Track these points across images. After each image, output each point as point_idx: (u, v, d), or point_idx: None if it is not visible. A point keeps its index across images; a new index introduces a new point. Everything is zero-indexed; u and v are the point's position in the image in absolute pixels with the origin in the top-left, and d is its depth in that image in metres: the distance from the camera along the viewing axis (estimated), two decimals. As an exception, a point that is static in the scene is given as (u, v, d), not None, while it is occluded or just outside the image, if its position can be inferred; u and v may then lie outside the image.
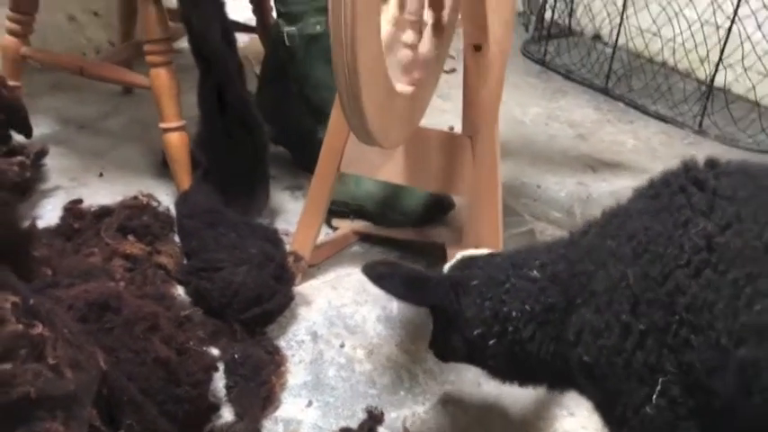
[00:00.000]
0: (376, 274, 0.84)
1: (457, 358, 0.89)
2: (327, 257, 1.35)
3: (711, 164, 0.64)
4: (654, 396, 0.57)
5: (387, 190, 1.37)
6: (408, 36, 0.98)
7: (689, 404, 0.56)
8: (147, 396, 0.87)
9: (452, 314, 0.81)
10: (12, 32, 1.47)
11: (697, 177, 0.62)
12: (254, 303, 1.13)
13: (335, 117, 1.16)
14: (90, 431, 0.76)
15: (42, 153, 1.50)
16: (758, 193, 0.58)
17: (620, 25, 2.24)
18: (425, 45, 1.06)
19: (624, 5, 2.22)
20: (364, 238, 1.41)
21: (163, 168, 1.56)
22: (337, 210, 1.40)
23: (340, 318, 1.23)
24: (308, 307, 1.24)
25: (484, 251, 0.88)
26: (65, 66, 1.48)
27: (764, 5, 1.92)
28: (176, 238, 1.32)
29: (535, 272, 0.72)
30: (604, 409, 0.66)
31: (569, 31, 2.62)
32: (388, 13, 1.00)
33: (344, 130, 1.15)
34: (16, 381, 0.64)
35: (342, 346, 1.17)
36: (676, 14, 2.18)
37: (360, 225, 1.41)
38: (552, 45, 2.49)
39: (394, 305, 1.26)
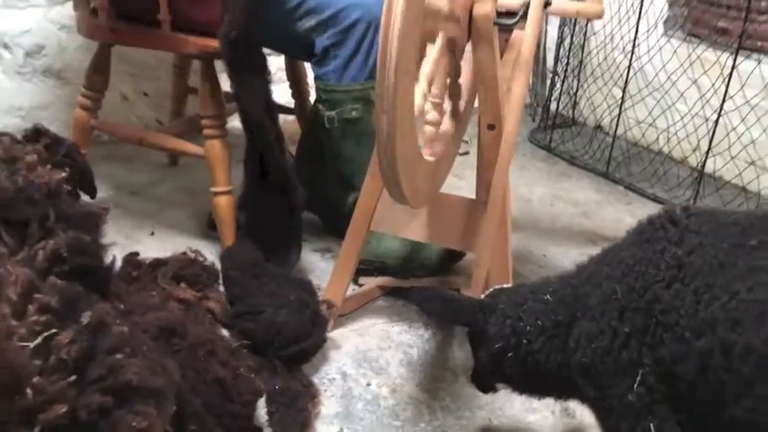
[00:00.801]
0: (419, 297, 1.02)
1: (486, 378, 1.05)
2: (355, 309, 1.51)
3: (685, 208, 0.82)
4: (635, 385, 0.73)
5: (405, 246, 1.55)
6: (432, 115, 1.18)
7: (661, 390, 0.72)
8: (206, 410, 1.02)
9: (480, 331, 0.98)
10: (83, 107, 1.68)
11: (673, 217, 0.80)
12: (293, 342, 1.28)
13: (368, 183, 1.34)
14: (160, 434, 0.90)
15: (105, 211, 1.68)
16: (717, 228, 0.75)
17: (618, 116, 2.46)
18: (446, 125, 1.26)
19: (623, 99, 2.45)
20: (388, 292, 1.58)
21: (207, 230, 1.74)
22: (362, 267, 1.57)
23: (366, 360, 1.37)
24: (337, 350, 1.39)
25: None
26: (128, 136, 1.69)
27: (747, 101, 2.14)
28: (221, 288, 1.48)
29: (548, 296, 0.89)
30: (597, 403, 0.81)
31: (573, 122, 2.85)
32: (420, 89, 1.19)
33: (376, 193, 1.34)
34: (123, 370, 0.80)
35: (368, 384, 1.31)
36: (669, 108, 2.40)
37: (383, 280, 1.58)
38: (557, 133, 2.71)
39: (414, 351, 1.41)
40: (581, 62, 2.78)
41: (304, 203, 1.62)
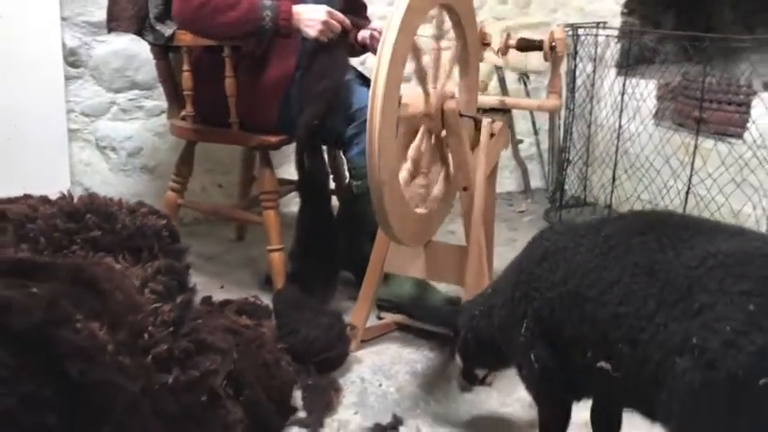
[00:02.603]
0: (414, 310, 1.46)
1: (467, 368, 1.46)
2: (374, 338, 1.93)
3: (558, 222, 1.23)
4: (522, 330, 1.13)
5: (419, 292, 1.97)
6: (421, 181, 1.64)
7: (537, 330, 1.11)
8: (257, 382, 1.46)
9: (455, 327, 1.40)
10: (173, 189, 2.22)
11: (550, 227, 1.22)
12: (323, 351, 1.71)
13: (380, 234, 1.80)
14: (219, 400, 1.33)
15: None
16: (574, 228, 1.16)
17: (612, 192, 2.86)
18: (437, 188, 1.72)
19: (614, 177, 2.86)
20: (402, 327, 1.99)
21: (264, 285, 2.22)
22: (383, 305, 1.99)
23: (381, 370, 1.78)
24: (359, 364, 1.81)
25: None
26: (205, 210, 2.21)
27: (709, 175, 2.52)
28: (273, 320, 1.94)
29: (487, 290, 1.32)
30: (508, 355, 1.22)
31: (584, 202, 3.26)
32: (406, 167, 1.66)
33: (387, 242, 1.79)
34: (201, 332, 1.25)
35: (380, 385, 1.72)
36: (650, 183, 2.80)
37: (398, 318, 2.00)
38: (569, 212, 3.11)
39: (419, 365, 1.81)
40: (587, 149, 3.21)
41: (342, 262, 2.08)
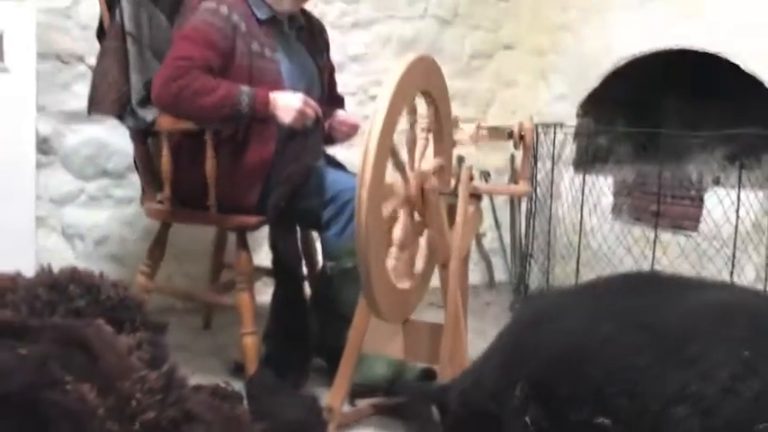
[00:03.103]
0: (402, 389, 1.45)
1: None
2: (352, 422, 1.89)
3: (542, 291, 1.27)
4: (516, 393, 1.14)
5: (391, 371, 1.96)
6: (403, 256, 1.67)
7: (531, 393, 1.13)
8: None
9: (443, 403, 1.40)
10: (143, 273, 2.20)
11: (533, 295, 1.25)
12: (300, 434, 1.67)
13: (358, 315, 1.80)
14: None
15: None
16: (561, 294, 1.20)
17: (576, 283, 2.93)
18: (418, 264, 1.75)
19: (577, 270, 2.94)
20: (379, 411, 1.96)
21: (234, 372, 2.17)
22: (357, 390, 1.97)
23: (361, 454, 1.75)
24: (338, 449, 1.77)
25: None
26: (179, 294, 2.18)
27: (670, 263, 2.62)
28: (245, 405, 1.88)
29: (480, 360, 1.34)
30: (502, 422, 1.21)
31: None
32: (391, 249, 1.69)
33: (364, 323, 1.79)
34: (188, 401, 1.22)
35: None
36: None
37: (374, 401, 1.97)
38: (533, 303, 3.16)
39: (398, 448, 1.78)
40: (548, 243, 3.31)
41: (314, 347, 2.07)
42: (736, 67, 2.60)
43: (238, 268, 2.05)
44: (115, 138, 2.73)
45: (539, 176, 3.32)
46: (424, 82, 1.64)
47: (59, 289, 1.37)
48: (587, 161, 3.23)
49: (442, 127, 1.75)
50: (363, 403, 1.97)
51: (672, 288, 1.01)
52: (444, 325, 1.75)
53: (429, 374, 2.00)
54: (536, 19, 3.56)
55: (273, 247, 1.93)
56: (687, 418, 0.89)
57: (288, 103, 1.98)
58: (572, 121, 3.32)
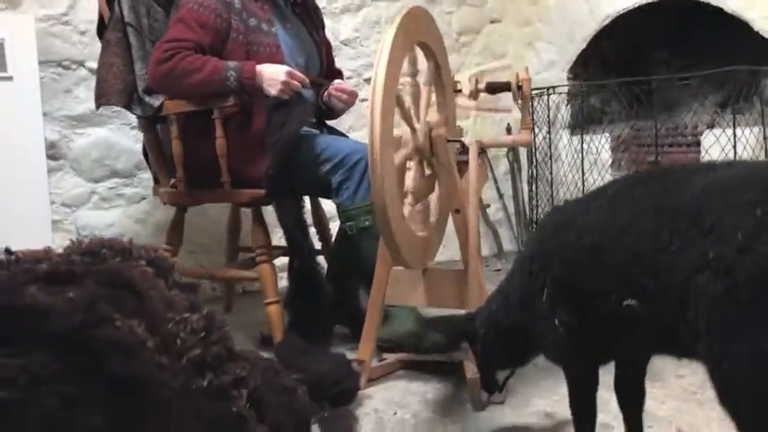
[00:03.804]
0: (428, 323, 1.50)
1: (486, 373, 1.48)
2: (381, 376, 1.94)
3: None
4: (543, 299, 1.19)
5: (420, 328, 2.01)
6: (417, 206, 1.72)
7: (558, 295, 1.17)
8: (279, 406, 1.46)
9: (471, 332, 1.43)
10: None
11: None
12: (335, 385, 1.72)
13: (378, 267, 1.85)
14: (245, 421, 1.34)
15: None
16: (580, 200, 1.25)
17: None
18: (432, 212, 1.81)
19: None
20: (406, 365, 2.01)
21: (263, 343, 2.21)
22: (386, 345, 2.02)
23: (393, 402, 1.79)
24: (369, 399, 1.81)
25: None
26: (200, 273, 2.24)
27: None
28: (278, 369, 1.93)
29: (504, 281, 1.39)
30: (532, 332, 1.26)
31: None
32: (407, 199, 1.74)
33: (385, 275, 1.84)
34: (229, 339, 1.27)
35: (395, 413, 1.72)
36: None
37: (402, 356, 2.02)
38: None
39: (430, 395, 1.82)
40: (552, 206, 3.36)
41: (336, 315, 2.12)
42: (720, 10, 2.66)
43: (256, 241, 2.10)
44: (121, 138, 2.80)
45: (537, 141, 3.38)
46: (421, 34, 1.69)
47: (92, 254, 1.42)
48: (583, 123, 3.29)
49: (443, 79, 1.80)
50: (391, 357, 2.02)
51: (682, 174, 1.06)
52: (465, 269, 1.80)
53: (457, 337, 2.04)
54: (519, -10, 3.63)
55: (279, 218, 2.00)
56: (709, 283, 0.93)
57: (273, 75, 2.04)
58: (563, 87, 3.38)
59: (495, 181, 3.60)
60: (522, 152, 3.59)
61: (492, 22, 3.68)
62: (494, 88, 2.09)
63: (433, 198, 1.82)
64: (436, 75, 1.79)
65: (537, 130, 3.37)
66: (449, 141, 1.75)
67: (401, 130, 1.70)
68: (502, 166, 3.69)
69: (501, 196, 3.62)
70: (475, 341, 1.47)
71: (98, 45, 2.29)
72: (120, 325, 1.08)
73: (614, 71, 3.48)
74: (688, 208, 1.00)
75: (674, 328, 1.02)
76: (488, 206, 3.61)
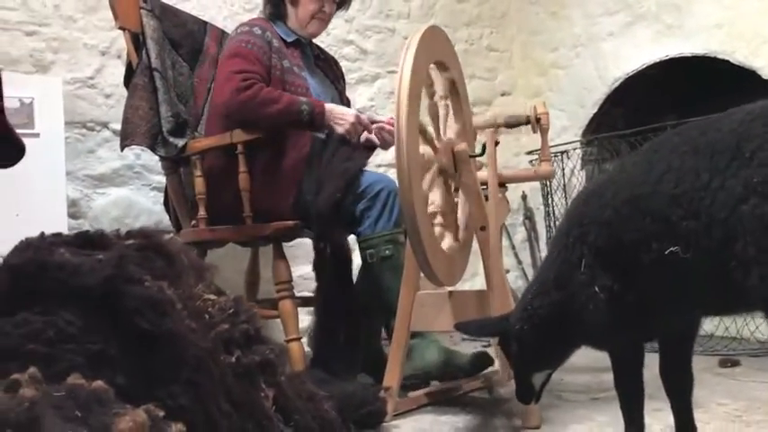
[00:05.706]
0: (461, 326, 1.45)
1: (522, 379, 1.41)
2: (408, 410, 1.85)
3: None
4: (582, 268, 1.15)
5: (443, 356, 1.94)
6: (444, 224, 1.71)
7: (596, 262, 1.13)
8: (305, 411, 1.39)
9: (506, 332, 1.37)
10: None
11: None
12: (362, 406, 1.64)
13: (404, 291, 1.81)
14: (268, 422, 1.27)
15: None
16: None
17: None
18: (459, 232, 1.79)
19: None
20: (433, 400, 1.92)
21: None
22: (410, 383, 1.94)
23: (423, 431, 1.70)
24: (398, 429, 1.72)
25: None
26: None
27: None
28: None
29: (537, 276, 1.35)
30: (569, 299, 1.20)
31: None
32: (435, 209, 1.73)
33: (410, 300, 1.80)
34: (257, 319, 1.23)
35: (425, 439, 1.64)
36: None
37: (429, 389, 1.93)
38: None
39: (461, 423, 1.74)
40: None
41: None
42: (727, 62, 2.74)
43: (278, 277, 2.07)
44: (141, 198, 2.82)
45: (552, 206, 3.38)
46: (436, 53, 1.71)
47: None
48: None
49: (459, 92, 1.82)
50: (418, 393, 1.94)
51: (715, 121, 1.05)
52: (488, 287, 1.76)
53: (482, 358, 1.98)
54: (528, 63, 3.76)
55: (318, 246, 1.99)
56: (757, 207, 0.91)
57: (342, 115, 2.16)
58: (576, 152, 3.43)
59: (514, 247, 3.59)
60: (540, 219, 3.60)
61: (503, 94, 3.78)
62: (514, 123, 2.13)
63: (460, 216, 1.81)
64: (452, 89, 1.81)
65: (552, 196, 3.38)
66: (471, 157, 1.76)
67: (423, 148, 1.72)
68: (519, 234, 3.69)
69: (520, 263, 3.60)
70: (509, 343, 1.41)
71: (121, 107, 2.33)
72: (150, 285, 1.06)
73: (625, 138, 3.53)
74: (726, 143, 0.99)
75: (720, 272, 0.98)
76: (508, 271, 3.57)
